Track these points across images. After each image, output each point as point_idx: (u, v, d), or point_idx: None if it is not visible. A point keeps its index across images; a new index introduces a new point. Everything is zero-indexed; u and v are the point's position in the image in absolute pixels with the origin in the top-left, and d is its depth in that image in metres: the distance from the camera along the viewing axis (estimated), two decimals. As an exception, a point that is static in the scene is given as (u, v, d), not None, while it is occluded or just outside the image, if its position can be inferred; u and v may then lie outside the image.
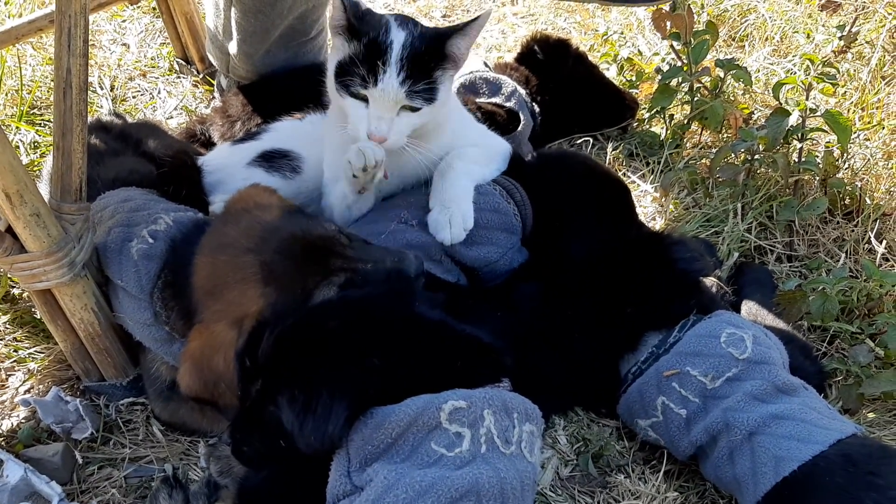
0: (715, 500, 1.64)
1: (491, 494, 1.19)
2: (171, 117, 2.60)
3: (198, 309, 1.47)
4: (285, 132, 1.97)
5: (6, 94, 2.52)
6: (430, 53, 1.62)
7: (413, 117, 1.65)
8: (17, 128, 2.39)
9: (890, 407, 1.81)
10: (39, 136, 2.40)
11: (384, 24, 1.60)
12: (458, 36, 1.63)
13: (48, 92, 2.60)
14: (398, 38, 1.59)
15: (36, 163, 2.29)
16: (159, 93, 2.70)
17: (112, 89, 2.67)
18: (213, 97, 2.62)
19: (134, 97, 2.68)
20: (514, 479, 1.24)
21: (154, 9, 2.99)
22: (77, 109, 1.51)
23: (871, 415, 1.79)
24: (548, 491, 1.64)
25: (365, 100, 1.61)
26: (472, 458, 1.22)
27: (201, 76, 2.72)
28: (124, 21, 3.01)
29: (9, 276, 1.89)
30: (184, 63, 2.75)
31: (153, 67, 2.80)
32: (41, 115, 2.50)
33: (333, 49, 1.67)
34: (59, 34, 1.47)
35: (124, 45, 2.90)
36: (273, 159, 1.90)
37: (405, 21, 1.64)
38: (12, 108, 2.47)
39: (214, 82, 2.60)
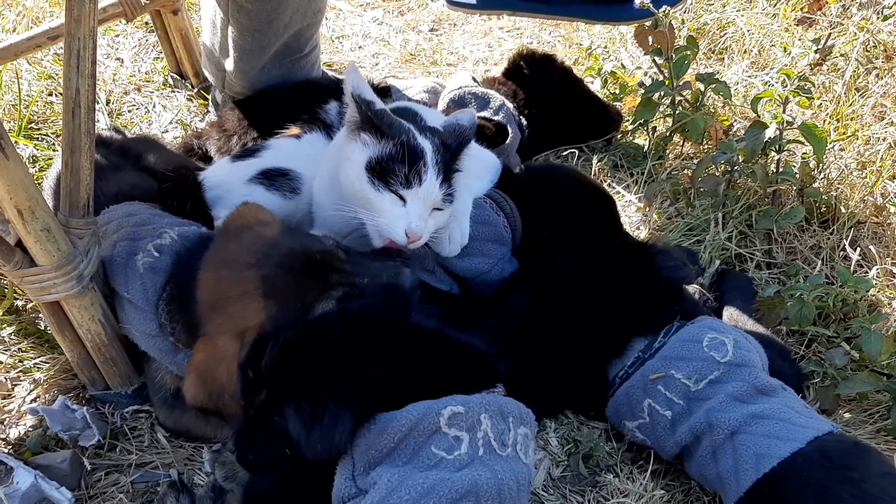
0: (699, 497, 1.70)
1: (489, 495, 1.25)
2: (167, 131, 2.65)
3: (202, 322, 1.51)
4: (285, 151, 2.02)
5: (4, 110, 2.56)
6: (451, 160, 1.73)
7: (439, 217, 1.73)
8: (15, 142, 2.43)
9: (865, 407, 1.88)
10: (38, 150, 2.44)
11: (407, 129, 1.68)
12: (466, 146, 1.76)
13: (44, 107, 2.65)
14: (426, 145, 1.68)
15: (35, 177, 2.34)
16: (154, 107, 2.74)
17: (108, 104, 2.72)
18: (208, 111, 2.67)
19: (129, 111, 2.73)
20: (510, 479, 1.30)
21: (147, 23, 3.03)
22: (85, 128, 1.55)
23: (847, 415, 1.87)
24: (540, 491, 1.70)
25: (401, 199, 1.67)
26: (471, 461, 1.28)
27: (196, 90, 2.77)
28: (118, 36, 3.05)
29: (16, 288, 1.94)
30: (178, 77, 2.80)
31: (148, 82, 2.85)
32: (38, 129, 2.55)
33: (359, 144, 1.69)
34: (69, 56, 1.51)
35: (118, 59, 2.95)
36: (273, 178, 1.94)
37: (422, 129, 1.72)
38: (10, 122, 2.50)
39: (209, 97, 2.65)
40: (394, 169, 1.64)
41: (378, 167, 1.66)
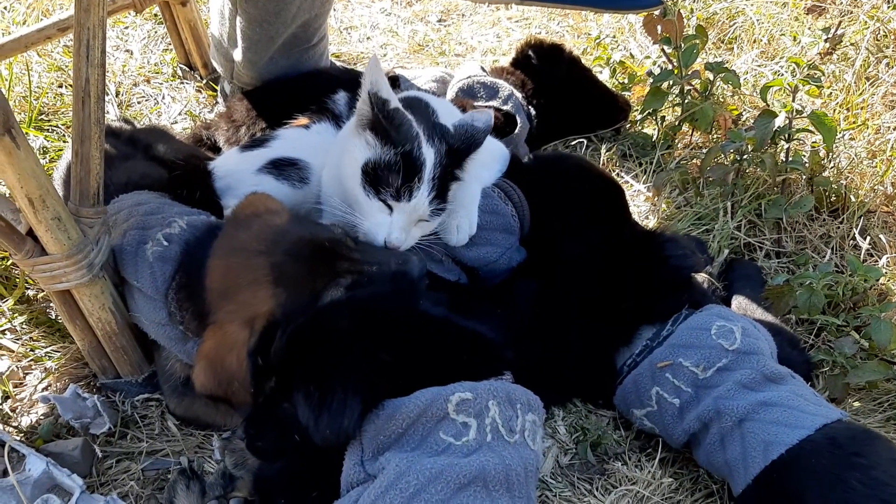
0: (708, 485, 1.71)
1: (497, 480, 1.25)
2: (176, 122, 2.66)
3: (211, 309, 1.52)
4: (294, 141, 2.02)
5: (15, 101, 2.58)
6: (451, 171, 1.71)
7: (425, 226, 1.73)
8: (26, 133, 2.44)
9: (874, 396, 1.88)
10: (48, 141, 2.45)
11: (415, 136, 1.65)
12: (476, 149, 1.73)
13: (54, 98, 2.66)
14: (429, 156, 1.65)
15: (46, 167, 2.34)
16: (164, 98, 2.75)
17: (117, 95, 2.73)
18: (217, 102, 2.68)
19: (139, 103, 2.74)
20: (518, 465, 1.30)
21: (156, 15, 3.05)
22: (95, 117, 1.56)
23: (856, 403, 1.87)
24: (548, 478, 1.71)
25: (389, 206, 1.66)
26: (479, 447, 1.28)
27: (204, 81, 2.77)
28: (127, 28, 3.06)
29: (28, 277, 1.95)
30: (187, 69, 2.81)
31: (157, 73, 2.86)
32: (49, 120, 2.56)
33: (363, 141, 1.68)
34: (78, 46, 1.52)
35: (127, 51, 2.95)
36: (282, 167, 1.94)
37: (431, 134, 1.68)
38: (21, 114, 2.52)
39: (218, 88, 2.66)
40: (387, 179, 1.64)
41: (373, 172, 1.65)
